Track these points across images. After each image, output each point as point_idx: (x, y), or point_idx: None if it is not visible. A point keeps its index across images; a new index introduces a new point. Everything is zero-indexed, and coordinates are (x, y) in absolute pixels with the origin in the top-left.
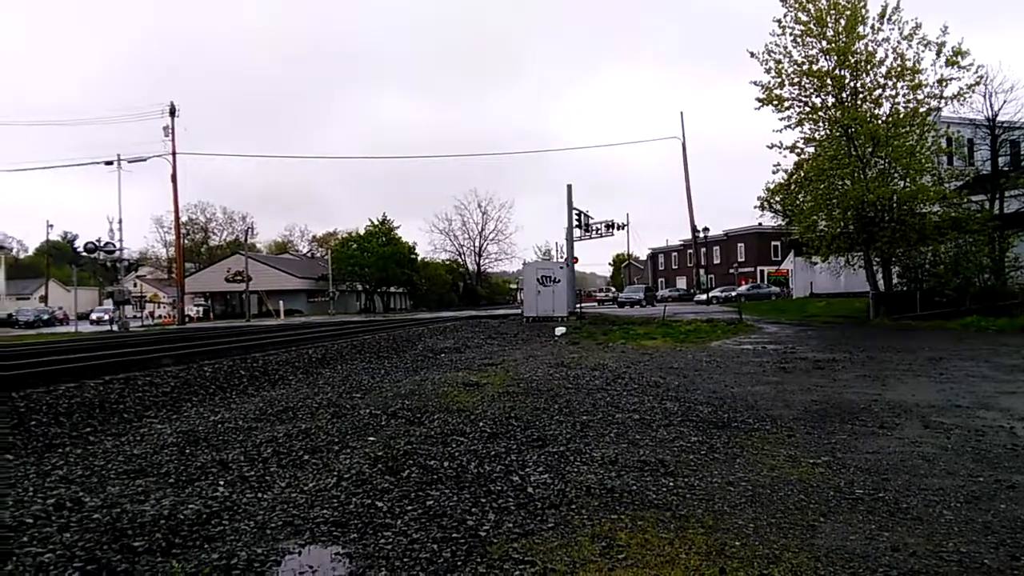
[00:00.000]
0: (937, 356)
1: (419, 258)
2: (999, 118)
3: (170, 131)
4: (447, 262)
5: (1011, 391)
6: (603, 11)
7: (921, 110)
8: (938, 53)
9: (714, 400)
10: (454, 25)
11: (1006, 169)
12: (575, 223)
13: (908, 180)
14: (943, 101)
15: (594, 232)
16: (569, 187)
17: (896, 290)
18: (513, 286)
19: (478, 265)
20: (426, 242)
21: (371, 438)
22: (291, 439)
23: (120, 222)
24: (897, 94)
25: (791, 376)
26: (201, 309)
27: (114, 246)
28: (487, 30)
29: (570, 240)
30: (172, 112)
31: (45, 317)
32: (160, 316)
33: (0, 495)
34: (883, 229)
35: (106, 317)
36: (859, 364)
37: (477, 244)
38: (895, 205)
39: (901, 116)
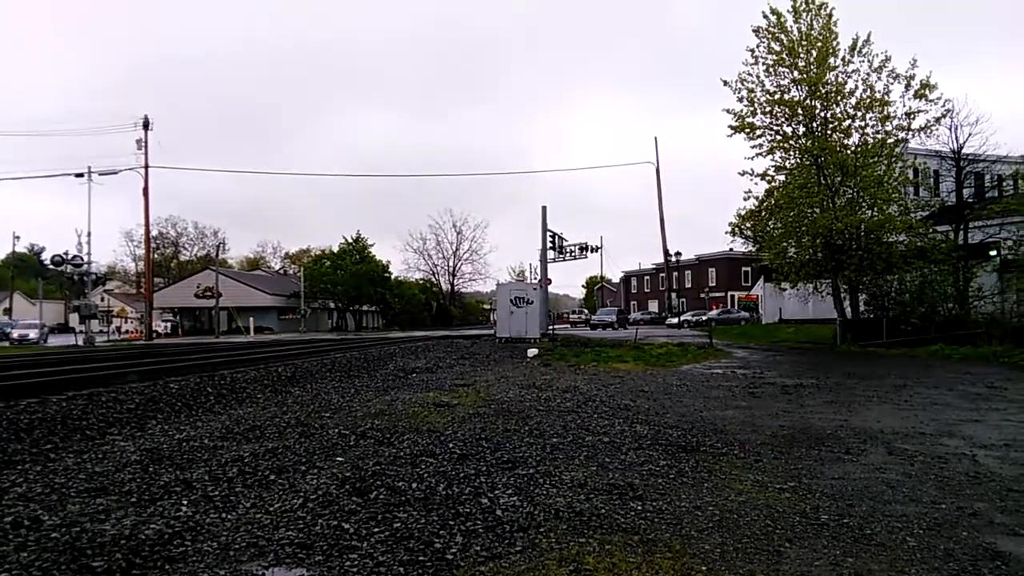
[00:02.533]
0: (902, 383)
1: (393, 277)
2: (964, 150)
3: (143, 144)
4: (421, 281)
5: (974, 419)
6: (579, 35)
7: (889, 141)
8: (907, 86)
9: (683, 424)
10: (431, 45)
11: (970, 200)
12: (549, 245)
13: (876, 209)
14: (911, 133)
15: (568, 254)
16: (544, 208)
17: (863, 317)
18: (487, 307)
19: (452, 285)
20: (400, 261)
21: (339, 458)
22: (257, 458)
23: (89, 235)
24: (866, 125)
25: (759, 401)
26: (169, 325)
27: (82, 259)
28: (464, 51)
29: (544, 261)
30: (146, 125)
31: (8, 330)
32: (127, 331)
33: None
34: (851, 257)
35: (31, 335)
36: (826, 390)
37: (451, 264)
38: (863, 234)
39: (870, 147)
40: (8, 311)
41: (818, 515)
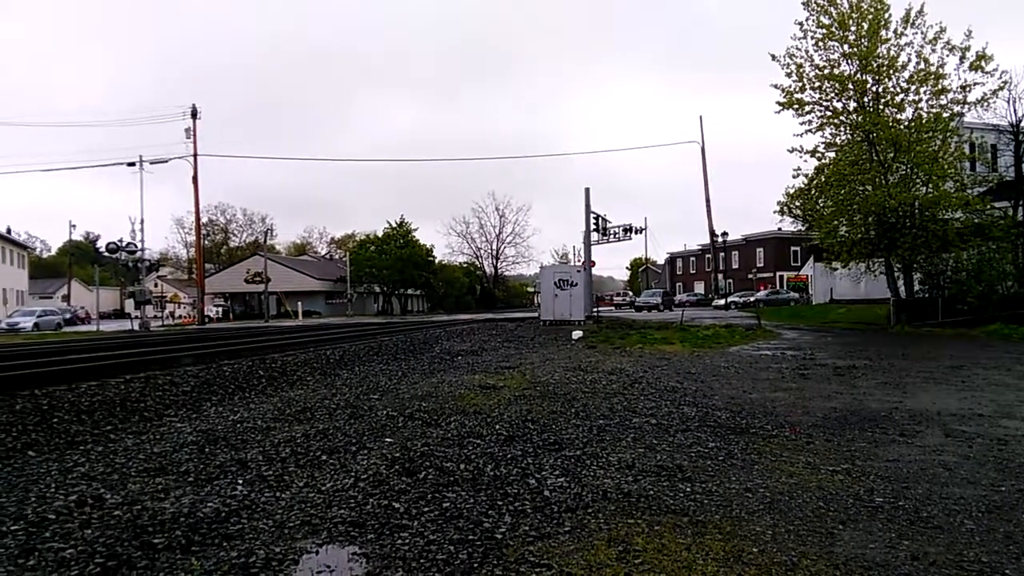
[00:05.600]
0: (959, 364)
1: (436, 260)
2: (1023, 124)
3: (192, 133)
4: (464, 265)
5: None
6: (620, 16)
7: (944, 115)
8: (962, 58)
9: (732, 406)
10: (471, 29)
11: None
12: (593, 227)
13: (930, 186)
14: (966, 106)
15: (612, 236)
16: (587, 190)
17: (917, 297)
18: (530, 289)
19: (495, 268)
20: (443, 244)
21: (388, 439)
22: (309, 439)
23: (142, 223)
24: (920, 99)
25: (810, 383)
26: (220, 310)
27: (136, 246)
28: (504, 33)
29: (587, 243)
30: (194, 114)
31: (67, 316)
32: (180, 316)
33: (23, 491)
34: (904, 235)
35: (23, 324)
36: (879, 371)
37: (494, 247)
38: (917, 211)
39: (924, 121)
40: (66, 298)
41: (872, 497)
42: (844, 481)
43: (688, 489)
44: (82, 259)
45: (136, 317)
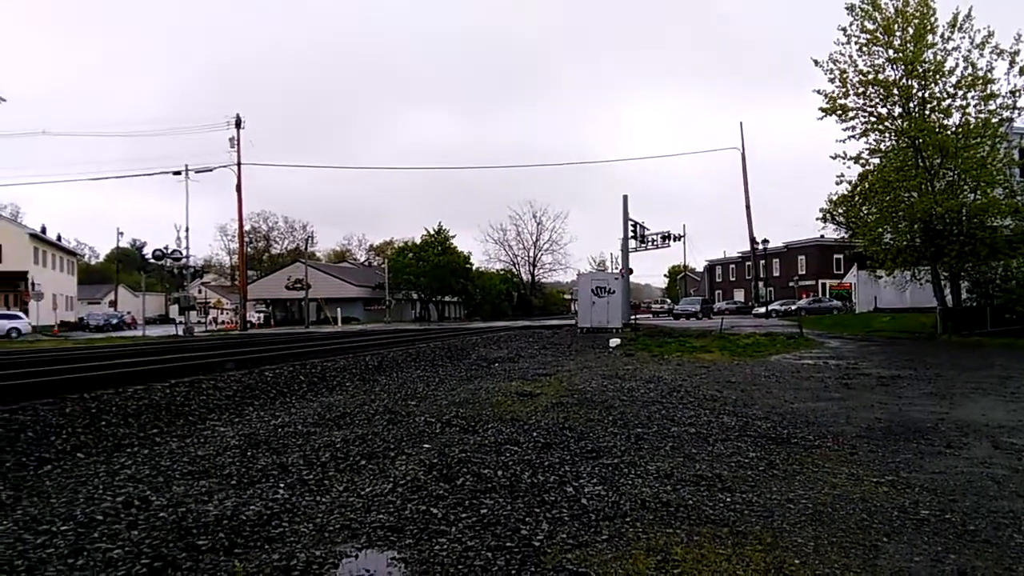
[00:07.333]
0: (1008, 374)
1: (473, 268)
2: None
3: (236, 142)
4: (501, 272)
5: None
6: (660, 24)
7: (993, 121)
8: (1011, 63)
9: (773, 415)
10: (510, 40)
11: None
12: (631, 234)
13: (978, 193)
14: (1016, 111)
15: (649, 243)
16: (625, 197)
17: (965, 306)
18: (567, 297)
19: (532, 275)
20: (480, 252)
21: (426, 445)
22: (348, 444)
23: (187, 230)
24: (968, 104)
25: (854, 392)
26: (262, 316)
27: (181, 253)
28: (543, 43)
29: (625, 251)
30: (238, 124)
31: (114, 321)
32: (223, 322)
33: (73, 492)
34: (951, 243)
35: None
36: (925, 381)
37: (531, 254)
38: (964, 218)
39: (972, 127)
40: (113, 303)
41: (917, 510)
42: (888, 493)
43: (728, 499)
44: (129, 265)
45: (181, 322)
